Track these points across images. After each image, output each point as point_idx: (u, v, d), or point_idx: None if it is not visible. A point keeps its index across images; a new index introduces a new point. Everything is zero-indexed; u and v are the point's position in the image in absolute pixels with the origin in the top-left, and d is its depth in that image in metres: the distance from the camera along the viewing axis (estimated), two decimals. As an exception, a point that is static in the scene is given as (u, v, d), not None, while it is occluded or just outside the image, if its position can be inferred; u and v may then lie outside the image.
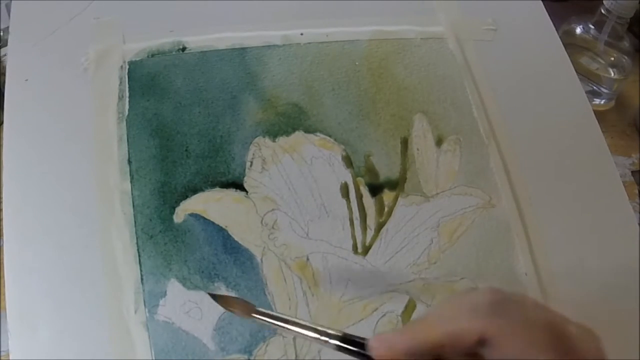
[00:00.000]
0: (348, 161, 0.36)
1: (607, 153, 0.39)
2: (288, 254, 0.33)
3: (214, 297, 0.31)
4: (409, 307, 0.33)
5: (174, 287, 0.32)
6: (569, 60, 0.42)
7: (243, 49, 0.38)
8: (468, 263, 0.35)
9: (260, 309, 0.27)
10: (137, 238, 0.32)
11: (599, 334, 0.23)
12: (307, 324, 0.25)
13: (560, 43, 0.42)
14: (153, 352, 0.30)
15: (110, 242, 0.32)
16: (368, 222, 0.35)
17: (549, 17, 0.43)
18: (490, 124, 0.38)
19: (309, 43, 0.39)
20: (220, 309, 0.31)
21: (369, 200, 0.35)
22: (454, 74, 0.40)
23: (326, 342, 0.24)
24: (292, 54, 0.38)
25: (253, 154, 0.35)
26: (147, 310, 0.31)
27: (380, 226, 0.35)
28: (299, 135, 0.36)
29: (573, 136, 0.39)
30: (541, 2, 0.43)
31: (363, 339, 0.24)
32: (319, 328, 0.25)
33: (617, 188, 0.38)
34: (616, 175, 0.39)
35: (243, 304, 0.29)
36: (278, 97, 0.37)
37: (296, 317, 0.28)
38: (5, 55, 0.37)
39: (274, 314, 0.27)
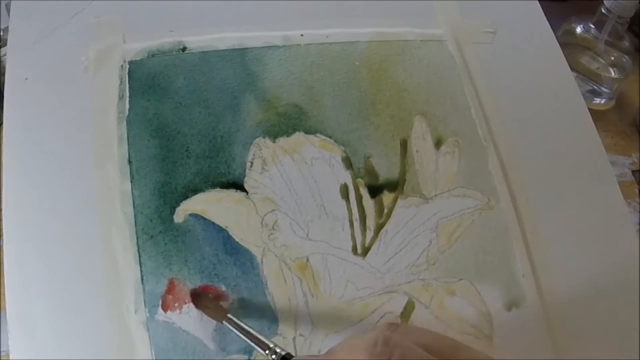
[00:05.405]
0: (348, 162, 0.36)
1: (603, 154, 0.39)
2: (288, 254, 0.33)
3: (193, 295, 0.32)
4: (408, 308, 0.33)
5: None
6: (567, 63, 0.42)
7: (243, 49, 0.38)
8: (466, 264, 0.35)
9: (231, 317, 0.30)
10: (137, 238, 0.32)
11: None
12: (265, 341, 0.28)
13: (558, 46, 0.42)
14: (153, 352, 0.31)
15: (110, 242, 0.32)
16: (367, 223, 0.35)
17: (547, 20, 0.43)
18: (488, 126, 0.38)
19: (309, 44, 0.39)
20: (220, 309, 0.31)
21: (368, 202, 0.35)
22: (453, 76, 0.40)
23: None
24: (293, 55, 0.38)
25: (253, 155, 0.35)
26: (147, 310, 0.31)
27: (379, 227, 0.35)
28: (299, 136, 0.36)
29: (571, 138, 0.39)
30: (539, 5, 0.43)
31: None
32: (271, 345, 0.28)
33: (613, 189, 0.38)
34: (612, 176, 0.39)
35: (218, 307, 0.30)
36: (278, 97, 0.37)
37: (259, 334, 0.29)
38: (5, 55, 0.37)
39: (242, 325, 0.29)
